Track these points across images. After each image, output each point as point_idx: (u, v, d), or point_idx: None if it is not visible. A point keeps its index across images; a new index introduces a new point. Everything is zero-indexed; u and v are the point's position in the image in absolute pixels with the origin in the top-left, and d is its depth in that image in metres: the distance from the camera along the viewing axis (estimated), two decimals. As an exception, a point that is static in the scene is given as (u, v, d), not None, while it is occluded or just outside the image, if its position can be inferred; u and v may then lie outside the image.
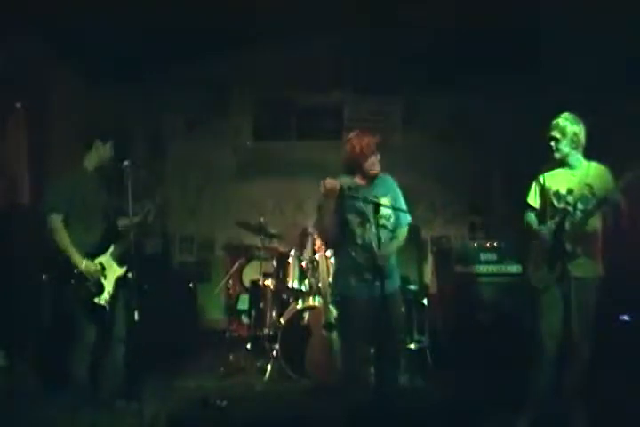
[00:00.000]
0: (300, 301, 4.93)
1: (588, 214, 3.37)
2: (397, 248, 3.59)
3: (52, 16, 4.71)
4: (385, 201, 3.51)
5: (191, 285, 6.03)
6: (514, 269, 5.11)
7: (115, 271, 3.79)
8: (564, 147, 3.47)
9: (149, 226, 4.09)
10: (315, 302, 4.78)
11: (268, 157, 6.76)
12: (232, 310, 5.98)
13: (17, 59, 4.73)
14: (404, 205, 3.63)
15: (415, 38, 5.56)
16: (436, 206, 6.75)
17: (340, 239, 3.54)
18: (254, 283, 5.55)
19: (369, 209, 3.41)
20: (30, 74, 4.97)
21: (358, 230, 3.48)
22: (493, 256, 5.18)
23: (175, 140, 6.86)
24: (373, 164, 3.52)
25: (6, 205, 4.78)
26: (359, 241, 3.47)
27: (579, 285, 3.38)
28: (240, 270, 5.99)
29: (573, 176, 3.51)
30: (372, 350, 3.64)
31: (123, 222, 3.87)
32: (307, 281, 4.95)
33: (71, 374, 3.67)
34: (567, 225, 3.42)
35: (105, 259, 3.76)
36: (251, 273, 5.88)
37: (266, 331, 5.17)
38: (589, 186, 3.43)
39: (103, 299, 3.69)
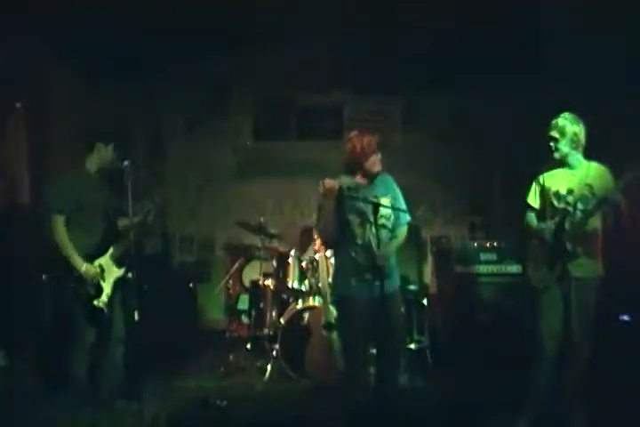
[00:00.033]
0: (299, 301, 4.93)
1: (588, 214, 3.37)
2: (397, 248, 3.59)
3: (51, 16, 4.72)
4: (385, 201, 3.51)
5: (191, 285, 6.02)
6: (514, 269, 5.10)
7: (114, 273, 3.79)
8: (564, 147, 3.47)
9: (149, 226, 4.09)
10: (315, 302, 4.78)
11: (267, 157, 6.75)
12: (232, 310, 5.98)
13: (17, 59, 4.73)
14: (403, 205, 3.63)
15: (415, 38, 5.56)
16: (436, 206, 6.74)
17: (339, 239, 3.53)
18: (254, 283, 5.55)
19: (369, 209, 3.41)
20: (30, 74, 4.97)
21: (358, 230, 3.47)
22: (493, 256, 5.18)
23: (175, 140, 6.85)
24: (374, 163, 3.51)
25: (6, 205, 4.78)
26: (359, 241, 3.46)
27: (579, 285, 3.37)
28: (240, 270, 5.99)
29: (573, 176, 3.51)
30: (372, 350, 3.64)
31: (123, 222, 3.87)
32: (307, 281, 4.95)
33: (71, 374, 3.68)
34: (567, 225, 3.41)
35: (104, 260, 3.77)
36: (251, 273, 5.88)
37: (266, 331, 5.17)
38: (589, 186, 3.43)
39: (101, 301, 3.70)
